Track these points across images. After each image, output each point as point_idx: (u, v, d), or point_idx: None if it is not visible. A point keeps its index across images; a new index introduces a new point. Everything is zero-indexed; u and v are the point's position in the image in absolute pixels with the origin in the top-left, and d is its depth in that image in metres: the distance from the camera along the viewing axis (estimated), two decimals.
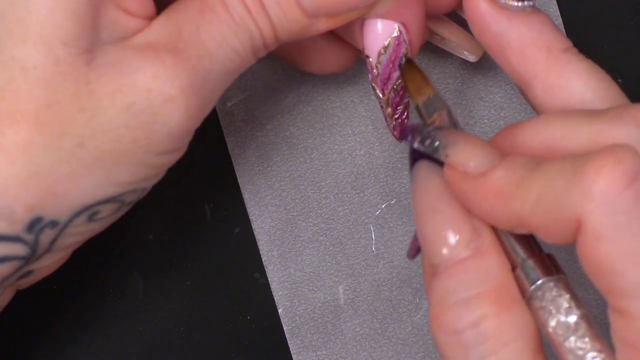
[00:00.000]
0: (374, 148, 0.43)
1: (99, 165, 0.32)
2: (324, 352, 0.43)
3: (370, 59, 0.36)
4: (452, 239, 0.31)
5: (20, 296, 0.41)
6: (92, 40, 0.32)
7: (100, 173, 0.32)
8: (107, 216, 0.34)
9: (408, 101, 0.37)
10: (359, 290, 0.43)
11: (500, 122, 0.43)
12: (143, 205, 0.42)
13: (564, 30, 0.42)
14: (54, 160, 0.31)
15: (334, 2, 0.34)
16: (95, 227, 0.35)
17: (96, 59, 0.32)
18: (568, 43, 0.34)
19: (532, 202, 0.30)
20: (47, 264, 0.35)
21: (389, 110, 0.37)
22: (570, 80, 0.34)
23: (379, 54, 0.36)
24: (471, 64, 0.41)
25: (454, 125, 0.34)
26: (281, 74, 0.42)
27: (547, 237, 0.30)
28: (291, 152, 0.43)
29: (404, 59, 0.36)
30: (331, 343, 0.43)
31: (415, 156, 0.33)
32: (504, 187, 0.30)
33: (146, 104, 0.32)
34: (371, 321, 0.43)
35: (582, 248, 0.29)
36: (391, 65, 0.36)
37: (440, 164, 0.32)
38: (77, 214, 0.33)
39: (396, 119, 0.38)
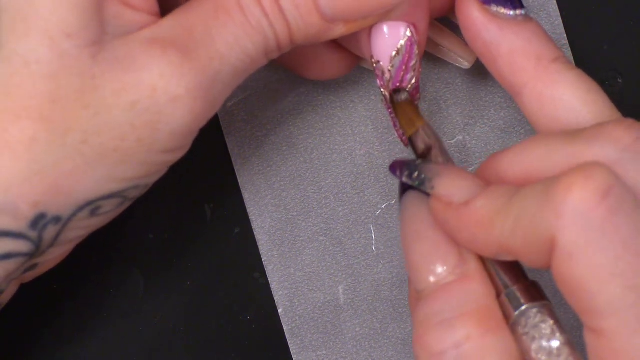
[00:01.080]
0: (374, 148, 0.43)
1: (103, 162, 0.32)
2: (324, 352, 0.43)
3: (381, 63, 0.36)
4: (438, 265, 0.32)
5: (21, 295, 0.41)
6: (97, 33, 0.31)
7: (103, 170, 0.32)
8: (110, 211, 0.34)
9: (417, 105, 0.37)
10: (359, 290, 0.43)
11: (499, 122, 0.43)
12: (143, 205, 0.42)
13: (563, 30, 0.42)
14: (58, 157, 0.31)
15: (354, 8, 0.34)
16: (98, 222, 0.35)
17: (102, 53, 0.31)
18: (558, 53, 0.34)
19: (510, 227, 0.30)
20: (51, 258, 0.35)
21: None
22: (558, 90, 0.34)
23: (392, 57, 0.36)
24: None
25: (445, 155, 0.35)
26: (282, 74, 0.42)
27: (528, 261, 0.30)
28: (291, 152, 0.43)
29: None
30: (331, 343, 0.43)
31: (405, 187, 0.34)
32: (485, 216, 0.31)
33: (151, 102, 0.32)
34: (371, 321, 0.43)
35: (556, 268, 0.29)
36: (404, 67, 0.36)
37: (429, 196, 0.33)
38: (80, 209, 0.33)
39: None
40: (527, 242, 0.29)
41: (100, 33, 0.32)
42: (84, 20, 0.31)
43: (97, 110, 0.31)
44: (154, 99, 0.32)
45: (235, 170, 0.42)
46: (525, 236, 0.29)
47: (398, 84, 0.36)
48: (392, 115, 0.37)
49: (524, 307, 0.31)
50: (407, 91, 0.37)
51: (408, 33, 0.35)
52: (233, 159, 0.42)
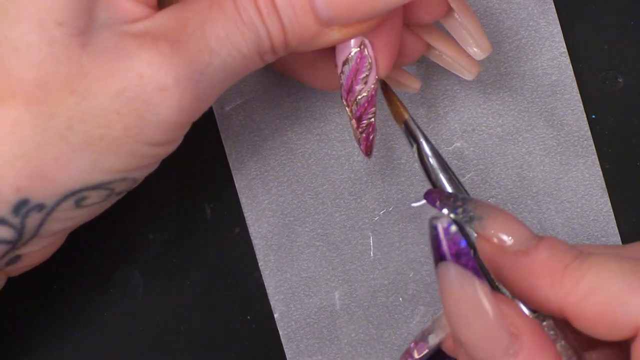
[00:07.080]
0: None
1: (89, 150, 0.32)
2: (320, 358, 0.43)
3: (337, 68, 0.36)
4: (492, 349, 0.30)
5: (20, 295, 0.42)
6: (88, 22, 0.32)
7: (89, 158, 0.32)
8: (96, 203, 0.34)
9: (372, 119, 0.37)
10: (355, 296, 0.43)
11: (497, 129, 0.42)
12: (143, 205, 0.43)
13: (562, 38, 0.41)
14: (42, 142, 0.32)
15: (349, 11, 0.33)
16: (84, 214, 0.35)
17: (92, 43, 0.32)
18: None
19: (581, 295, 0.29)
20: (36, 250, 0.35)
21: (354, 122, 0.37)
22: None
23: (343, 64, 0.35)
24: None
25: (435, 154, 0.35)
26: (280, 79, 0.43)
27: (589, 331, 0.29)
28: (289, 157, 0.43)
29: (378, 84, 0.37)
30: (327, 348, 0.43)
31: (439, 253, 0.31)
32: (549, 271, 0.30)
33: (138, 90, 0.32)
34: (367, 327, 0.43)
35: (636, 351, 0.28)
36: (353, 77, 0.36)
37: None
38: (64, 198, 0.33)
39: (360, 132, 0.37)
40: (599, 318, 0.29)
41: (92, 22, 0.32)
42: (76, 9, 0.31)
43: (83, 97, 0.31)
44: (141, 87, 0.32)
45: (233, 174, 0.43)
46: (599, 312, 0.29)
47: (348, 91, 0.36)
48: (350, 122, 0.37)
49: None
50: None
51: (359, 47, 0.35)
52: (230, 163, 0.43)
